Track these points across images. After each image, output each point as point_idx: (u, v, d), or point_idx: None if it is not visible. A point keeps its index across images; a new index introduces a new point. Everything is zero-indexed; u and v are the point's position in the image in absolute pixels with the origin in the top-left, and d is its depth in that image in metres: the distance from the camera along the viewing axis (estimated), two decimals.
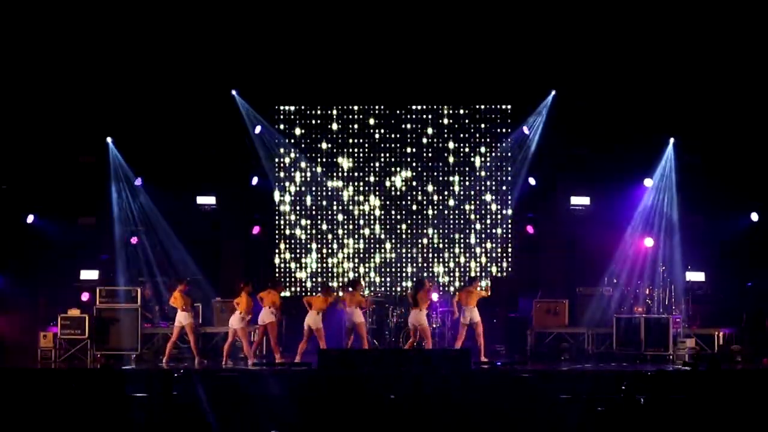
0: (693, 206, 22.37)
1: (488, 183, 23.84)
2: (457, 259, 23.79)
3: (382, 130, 23.94)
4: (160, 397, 14.06)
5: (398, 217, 23.92)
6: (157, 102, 22.66)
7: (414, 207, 23.90)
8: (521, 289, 23.09)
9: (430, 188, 23.88)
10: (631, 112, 22.25)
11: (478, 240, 23.77)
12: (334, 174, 23.95)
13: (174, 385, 14.58)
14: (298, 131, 23.99)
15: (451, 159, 23.87)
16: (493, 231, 23.81)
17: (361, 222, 23.91)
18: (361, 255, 23.86)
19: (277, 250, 23.89)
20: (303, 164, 23.91)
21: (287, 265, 23.90)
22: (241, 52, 22.32)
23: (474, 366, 19.08)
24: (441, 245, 23.82)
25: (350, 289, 20.66)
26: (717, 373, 13.97)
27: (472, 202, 23.85)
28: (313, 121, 24.00)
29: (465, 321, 20.32)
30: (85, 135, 22.78)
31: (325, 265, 23.88)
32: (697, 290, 21.71)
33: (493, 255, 23.77)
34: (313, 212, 23.94)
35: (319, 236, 23.92)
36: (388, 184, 23.91)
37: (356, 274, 23.41)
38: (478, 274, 23.45)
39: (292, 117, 24.06)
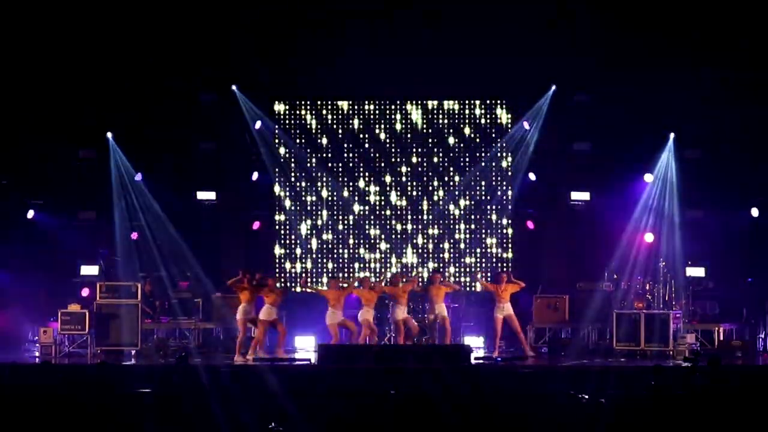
0: (693, 201, 22.35)
1: (488, 178, 23.82)
2: (457, 255, 23.78)
3: (381, 125, 23.94)
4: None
5: (397, 212, 23.90)
6: (158, 97, 22.65)
7: (413, 202, 23.88)
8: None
9: (429, 184, 23.86)
10: (632, 106, 22.23)
11: (477, 236, 23.75)
12: (334, 169, 23.94)
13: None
14: (297, 126, 24.00)
15: (450, 154, 23.85)
16: (493, 226, 23.79)
17: (361, 217, 23.89)
18: (360, 249, 23.86)
19: (277, 245, 23.91)
20: (303, 159, 23.91)
21: (287, 260, 23.93)
22: (242, 47, 22.30)
23: (474, 361, 19.10)
24: (441, 243, 23.79)
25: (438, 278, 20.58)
26: (717, 369, 13.93)
27: (472, 197, 23.83)
28: (312, 116, 23.98)
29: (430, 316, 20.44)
30: (85, 130, 22.77)
31: (325, 259, 23.89)
32: (697, 286, 21.70)
33: (493, 250, 23.76)
34: (313, 207, 23.94)
35: (319, 231, 23.91)
36: (387, 179, 23.89)
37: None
38: (478, 269, 23.51)
39: (292, 112, 24.05)
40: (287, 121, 24.05)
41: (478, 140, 23.82)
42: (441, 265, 23.56)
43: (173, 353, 20.36)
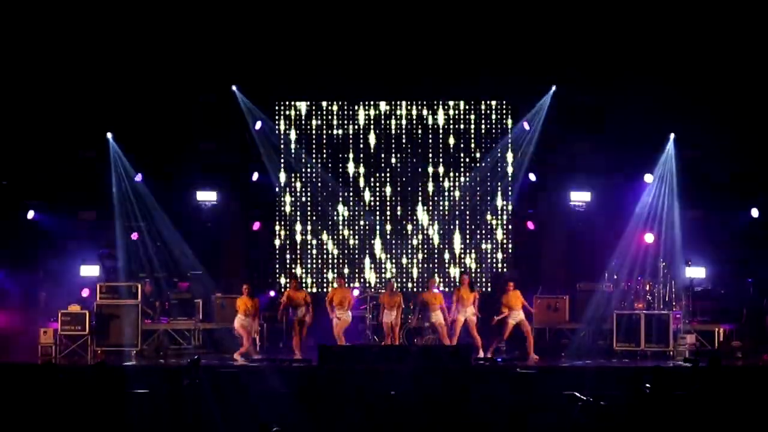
0: (693, 202, 22.36)
1: (489, 179, 23.82)
2: (457, 256, 23.78)
3: (382, 126, 23.94)
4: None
5: (397, 213, 23.90)
6: (158, 97, 22.65)
7: (413, 203, 23.88)
8: (521, 285, 23.06)
9: (430, 184, 23.86)
10: (632, 107, 22.23)
11: (478, 236, 23.76)
12: (334, 169, 23.94)
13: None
14: (297, 127, 24.01)
15: (451, 155, 23.85)
16: (494, 227, 23.80)
17: (361, 218, 23.89)
18: (360, 251, 23.86)
19: (277, 245, 23.91)
20: (303, 160, 23.91)
21: (288, 259, 23.94)
22: (242, 47, 22.31)
23: (474, 362, 19.11)
24: (441, 243, 23.79)
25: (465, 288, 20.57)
26: (717, 369, 13.94)
27: (473, 197, 23.83)
28: (312, 117, 23.98)
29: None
30: (86, 130, 22.77)
31: (325, 259, 23.90)
32: (697, 286, 21.69)
33: (494, 251, 23.76)
34: (313, 208, 23.95)
35: (318, 231, 23.91)
36: (387, 179, 23.89)
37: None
38: (478, 270, 23.55)
39: (292, 112, 24.05)
40: (287, 121, 24.05)
41: (478, 140, 23.81)
42: (438, 266, 23.61)
43: (173, 354, 20.43)
